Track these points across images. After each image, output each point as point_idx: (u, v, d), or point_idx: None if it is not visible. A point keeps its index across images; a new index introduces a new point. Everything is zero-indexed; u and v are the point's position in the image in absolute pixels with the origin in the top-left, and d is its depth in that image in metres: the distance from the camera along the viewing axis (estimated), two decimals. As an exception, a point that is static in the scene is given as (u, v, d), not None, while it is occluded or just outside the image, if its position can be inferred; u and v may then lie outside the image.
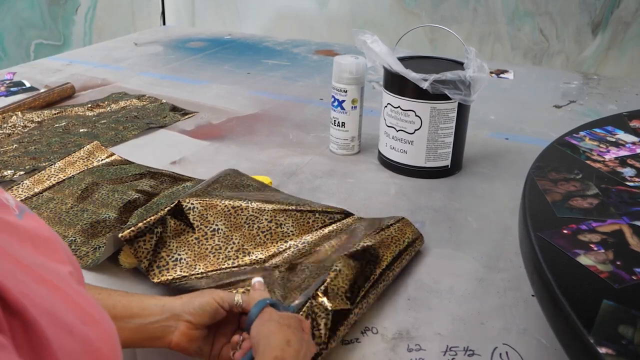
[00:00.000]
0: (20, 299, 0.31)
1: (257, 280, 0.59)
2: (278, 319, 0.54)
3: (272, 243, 0.75)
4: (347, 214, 0.80)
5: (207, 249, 0.73)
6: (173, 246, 0.72)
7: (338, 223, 0.78)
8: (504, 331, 0.64)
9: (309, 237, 0.76)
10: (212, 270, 0.71)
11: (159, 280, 0.69)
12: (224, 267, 0.72)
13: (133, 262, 0.72)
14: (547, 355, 0.61)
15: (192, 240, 0.74)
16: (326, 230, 0.77)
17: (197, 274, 0.71)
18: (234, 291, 0.61)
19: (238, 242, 0.74)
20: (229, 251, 0.73)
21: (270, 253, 0.74)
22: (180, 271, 0.70)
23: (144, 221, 0.72)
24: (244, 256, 0.73)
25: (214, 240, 0.74)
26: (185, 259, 0.72)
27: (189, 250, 0.73)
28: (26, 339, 0.31)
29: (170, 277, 0.70)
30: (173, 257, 0.71)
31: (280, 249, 0.75)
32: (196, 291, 0.59)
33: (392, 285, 0.72)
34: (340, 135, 1.06)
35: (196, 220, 0.75)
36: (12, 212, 0.38)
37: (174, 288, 0.69)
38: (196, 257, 0.72)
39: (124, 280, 0.72)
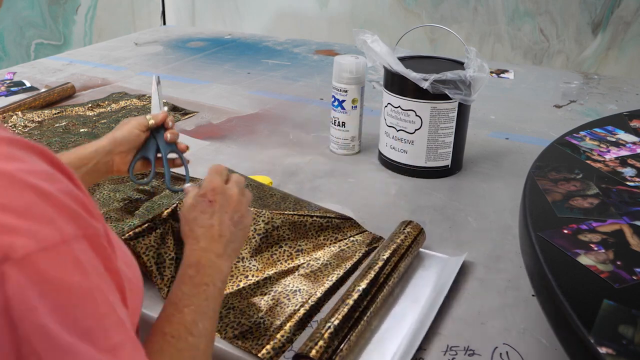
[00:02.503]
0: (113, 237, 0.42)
1: (187, 185, 0.66)
2: (185, 220, 0.59)
3: (267, 247, 0.75)
4: (344, 218, 0.80)
5: None
6: (172, 245, 0.72)
7: (333, 234, 0.79)
8: (504, 331, 0.64)
9: (304, 243, 0.77)
10: None
11: (156, 281, 0.69)
12: None
13: (133, 262, 0.72)
14: (548, 355, 0.61)
15: None
16: (321, 237, 0.78)
17: None
18: (147, 116, 0.78)
19: None
20: None
21: (263, 262, 0.74)
22: (176, 273, 0.70)
23: (145, 221, 0.72)
24: (237, 261, 0.73)
25: None
26: (182, 259, 0.72)
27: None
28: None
29: (167, 277, 0.70)
30: (170, 255, 0.71)
31: (274, 256, 0.75)
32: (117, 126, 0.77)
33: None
34: (341, 135, 1.06)
35: None
36: None
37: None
38: None
39: (124, 280, 0.72)
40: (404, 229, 0.76)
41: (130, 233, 0.70)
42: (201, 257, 0.55)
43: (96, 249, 0.38)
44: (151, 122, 0.77)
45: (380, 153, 1.04)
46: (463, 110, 0.96)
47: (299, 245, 0.76)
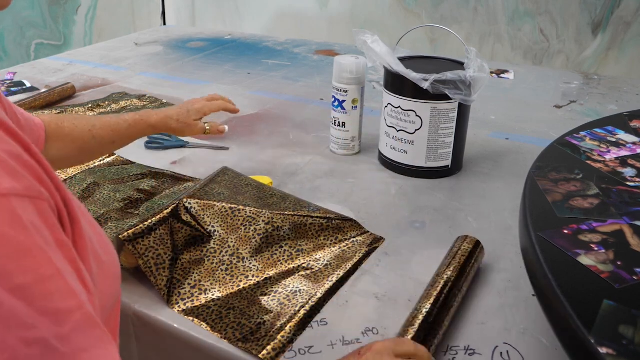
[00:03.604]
0: (78, 216, 0.43)
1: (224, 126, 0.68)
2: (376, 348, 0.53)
3: (268, 247, 0.75)
4: (344, 219, 0.80)
5: (202, 251, 0.73)
6: (171, 246, 0.72)
7: (333, 234, 0.79)
8: (505, 331, 0.64)
9: (304, 244, 0.77)
10: (205, 277, 0.71)
11: (156, 281, 0.69)
12: (216, 274, 0.72)
13: (133, 262, 0.72)
14: (548, 355, 0.61)
15: (190, 240, 0.74)
16: (321, 237, 0.78)
17: (191, 281, 0.71)
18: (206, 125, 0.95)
19: (233, 246, 0.74)
20: (223, 255, 0.73)
21: (264, 262, 0.74)
22: (176, 273, 0.71)
23: (145, 221, 0.72)
24: (238, 261, 0.73)
25: (210, 244, 0.74)
26: (181, 260, 0.72)
27: (185, 251, 0.73)
28: (75, 241, 0.42)
29: (165, 278, 0.70)
30: (170, 255, 0.71)
31: (275, 256, 0.75)
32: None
33: (392, 285, 0.72)
34: (341, 135, 1.06)
35: (194, 221, 0.75)
36: None
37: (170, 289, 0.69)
38: (191, 260, 0.72)
39: (124, 280, 0.72)
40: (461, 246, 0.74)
41: (130, 233, 0.70)
42: None
43: (41, 214, 0.38)
44: (207, 129, 0.95)
45: (380, 153, 1.04)
46: (463, 111, 0.96)
47: (300, 246, 0.76)
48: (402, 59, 0.98)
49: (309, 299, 0.68)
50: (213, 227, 0.75)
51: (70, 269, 0.39)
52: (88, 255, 0.43)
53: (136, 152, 1.07)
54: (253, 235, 0.75)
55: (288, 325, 0.64)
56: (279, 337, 0.62)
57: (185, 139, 1.11)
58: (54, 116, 0.81)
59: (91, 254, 0.44)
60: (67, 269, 0.39)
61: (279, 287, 0.70)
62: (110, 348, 0.40)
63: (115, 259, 0.50)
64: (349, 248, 0.77)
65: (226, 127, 1.01)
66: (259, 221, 0.76)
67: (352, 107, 1.03)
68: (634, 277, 0.51)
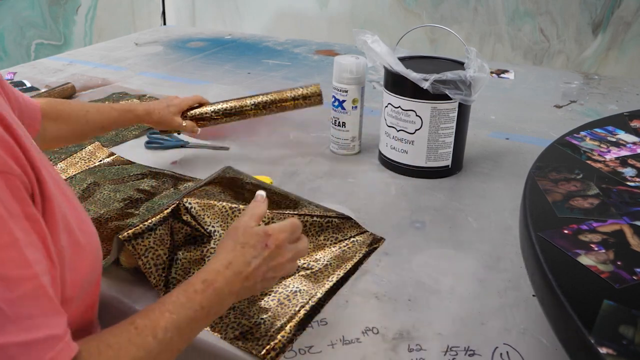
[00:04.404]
0: (51, 195, 0.46)
1: (260, 193, 0.66)
2: (236, 237, 0.59)
3: None
4: (344, 217, 0.80)
5: (202, 251, 0.73)
6: (171, 246, 0.72)
7: (333, 233, 0.79)
8: (505, 331, 0.64)
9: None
10: None
11: (155, 281, 0.69)
12: None
13: (133, 262, 0.72)
14: (548, 355, 0.61)
15: (190, 240, 0.74)
16: (321, 237, 0.78)
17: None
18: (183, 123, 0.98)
19: None
20: None
21: None
22: (175, 273, 0.71)
23: (145, 221, 0.72)
24: None
25: (210, 244, 0.74)
26: (181, 260, 0.72)
27: (185, 251, 0.73)
28: (45, 218, 0.45)
29: (165, 278, 0.70)
30: (169, 255, 0.71)
31: None
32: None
33: (393, 285, 0.72)
34: (341, 135, 1.06)
35: (194, 221, 0.75)
36: None
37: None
38: (191, 260, 0.72)
39: (124, 280, 0.73)
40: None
41: (130, 233, 0.69)
42: (218, 282, 0.55)
43: (11, 188, 0.41)
44: (184, 125, 0.99)
45: (380, 153, 1.04)
46: (463, 111, 0.96)
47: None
48: (402, 59, 0.98)
49: (309, 299, 0.68)
50: (213, 227, 0.75)
51: (37, 241, 0.43)
52: (58, 232, 0.46)
53: (136, 152, 1.07)
54: None
55: (288, 325, 0.64)
56: (279, 336, 0.62)
57: (185, 139, 1.11)
58: (51, 99, 0.87)
59: (63, 232, 0.47)
60: (30, 240, 0.42)
61: (279, 287, 0.70)
62: (58, 319, 0.43)
63: (95, 241, 0.54)
64: (349, 248, 0.77)
65: (199, 130, 1.02)
66: None
67: (352, 107, 1.03)
68: (634, 277, 0.51)
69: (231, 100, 1.03)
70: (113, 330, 0.48)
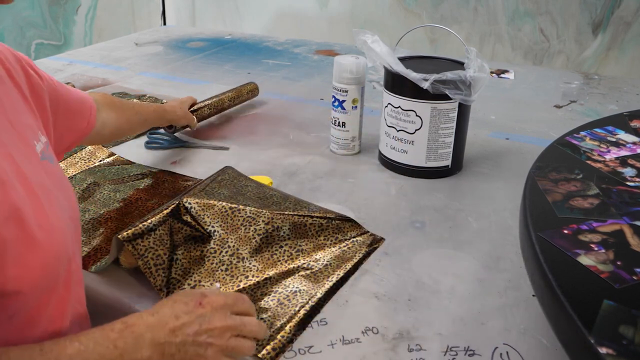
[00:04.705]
0: (3, 179, 0.47)
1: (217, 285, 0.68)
2: (170, 296, 0.58)
3: (267, 247, 0.75)
4: (344, 219, 0.80)
5: (202, 251, 0.73)
6: (171, 246, 0.72)
7: (333, 234, 0.79)
8: (505, 331, 0.64)
9: (304, 244, 0.77)
10: (205, 278, 0.71)
11: (155, 281, 0.69)
12: (216, 274, 0.72)
13: (133, 262, 0.72)
14: (548, 355, 0.61)
15: (189, 240, 0.74)
16: (321, 237, 0.78)
17: (191, 281, 0.71)
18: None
19: (233, 246, 0.74)
20: (223, 255, 0.73)
21: (263, 262, 0.74)
22: (175, 273, 0.71)
23: (145, 221, 0.72)
24: (238, 262, 0.73)
25: (210, 244, 0.74)
26: (180, 260, 0.72)
27: (185, 251, 0.73)
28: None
29: (165, 278, 0.70)
30: (169, 255, 0.71)
31: (274, 256, 0.75)
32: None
33: (392, 285, 0.72)
34: (341, 135, 1.06)
35: (194, 221, 0.75)
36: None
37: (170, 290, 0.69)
38: (191, 260, 0.72)
39: (124, 281, 0.73)
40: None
41: (130, 233, 0.70)
42: (138, 326, 0.53)
43: None
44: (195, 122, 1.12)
45: (380, 153, 1.04)
46: (463, 111, 0.96)
47: (299, 246, 0.76)
48: (402, 59, 0.98)
49: (309, 299, 0.68)
50: (213, 227, 0.75)
51: None
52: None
53: (136, 152, 1.07)
54: (253, 235, 0.75)
55: (288, 325, 0.64)
56: (278, 336, 0.62)
57: (185, 138, 1.12)
58: (103, 93, 0.93)
59: (8, 223, 0.46)
60: None
61: (279, 287, 0.70)
62: None
63: (59, 241, 0.52)
64: (348, 248, 0.77)
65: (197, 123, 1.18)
66: (258, 221, 0.76)
67: (352, 107, 1.03)
68: (634, 277, 0.51)
69: (213, 97, 1.22)
70: (22, 346, 0.47)
